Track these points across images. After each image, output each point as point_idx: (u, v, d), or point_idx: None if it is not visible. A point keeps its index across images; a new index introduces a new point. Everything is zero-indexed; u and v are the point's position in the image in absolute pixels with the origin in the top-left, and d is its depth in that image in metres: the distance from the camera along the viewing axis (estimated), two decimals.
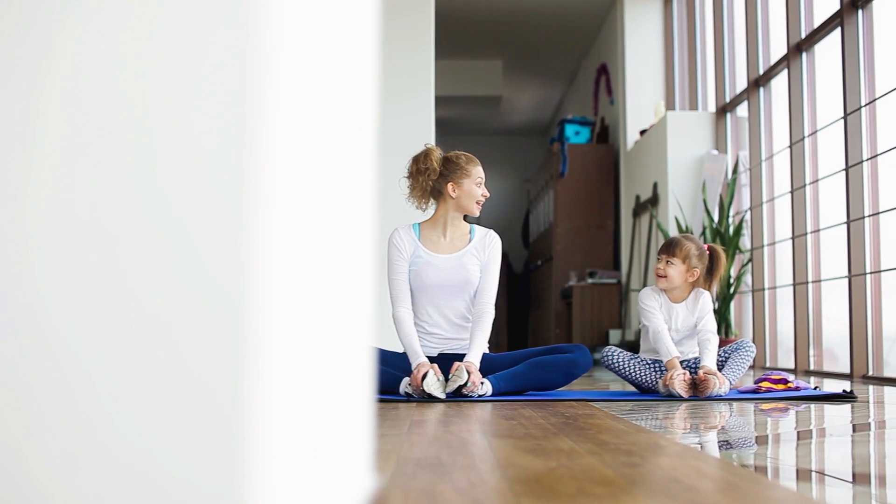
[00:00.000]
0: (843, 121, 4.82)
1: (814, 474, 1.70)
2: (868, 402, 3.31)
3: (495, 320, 3.56)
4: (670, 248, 3.54)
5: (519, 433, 2.23)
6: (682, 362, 3.51)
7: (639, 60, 8.10)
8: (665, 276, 3.52)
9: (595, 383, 4.64)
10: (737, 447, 2.10)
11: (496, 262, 3.52)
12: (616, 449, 1.87)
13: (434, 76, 6.49)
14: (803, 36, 5.47)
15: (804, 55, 5.49)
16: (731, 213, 6.46)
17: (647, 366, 3.52)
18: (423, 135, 6.26)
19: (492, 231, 3.59)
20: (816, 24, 5.31)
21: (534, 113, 12.39)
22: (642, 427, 2.32)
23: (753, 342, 6.21)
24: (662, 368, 3.48)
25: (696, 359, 3.52)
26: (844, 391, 3.39)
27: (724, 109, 6.88)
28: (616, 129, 8.60)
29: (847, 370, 4.84)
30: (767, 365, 6.10)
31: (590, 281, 7.92)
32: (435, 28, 9.07)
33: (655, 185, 7.23)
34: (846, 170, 4.78)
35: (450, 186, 3.49)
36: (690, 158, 6.93)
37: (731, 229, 6.28)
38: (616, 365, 3.54)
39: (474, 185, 3.49)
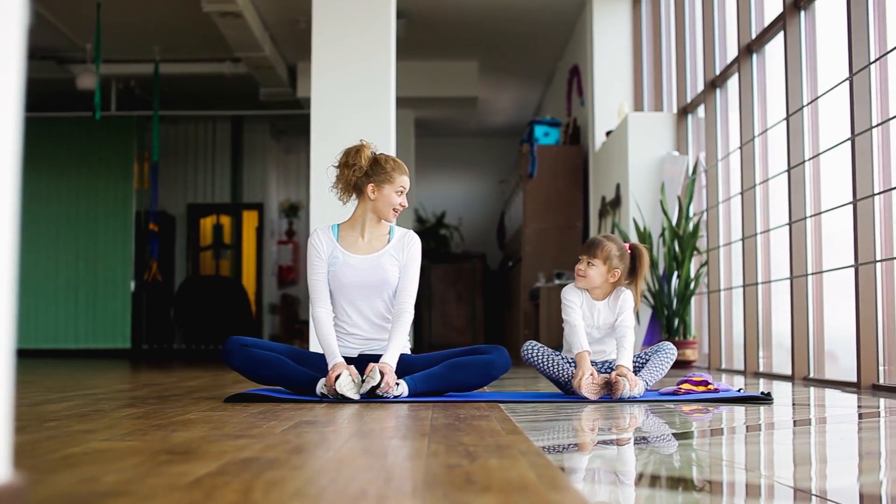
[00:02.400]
0: (785, 122, 4.81)
1: (639, 477, 1.69)
2: (787, 404, 3.30)
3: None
4: (591, 248, 3.53)
5: (387, 435, 2.23)
6: (601, 363, 3.50)
7: (607, 62, 8.09)
8: (585, 276, 3.51)
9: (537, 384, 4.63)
10: (597, 449, 2.09)
11: (415, 262, 3.51)
12: (462, 451, 1.86)
13: (394, 80, 6.49)
14: (753, 37, 5.46)
15: (754, 56, 5.48)
16: (691, 214, 6.45)
17: (569, 364, 3.51)
18: (383, 138, 6.26)
19: (411, 231, 3.58)
20: (766, 25, 5.30)
21: (513, 114, 12.38)
22: (519, 429, 2.31)
23: (709, 343, 6.21)
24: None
25: (614, 361, 3.50)
26: (763, 393, 3.38)
27: (685, 110, 6.87)
28: (586, 131, 8.59)
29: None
30: (723, 367, 6.09)
31: (557, 282, 7.91)
32: (410, 30, 9.09)
33: (618, 187, 7.22)
34: (788, 171, 4.77)
35: (370, 187, 3.48)
36: (652, 159, 6.92)
37: (689, 230, 6.27)
38: (535, 359, 3.53)
39: (394, 193, 3.48)
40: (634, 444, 2.17)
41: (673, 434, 2.38)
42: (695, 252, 6.32)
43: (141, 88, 10.66)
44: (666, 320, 6.35)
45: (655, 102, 7.59)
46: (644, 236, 6.39)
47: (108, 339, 10.51)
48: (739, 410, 2.98)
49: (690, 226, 6.30)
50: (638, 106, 7.95)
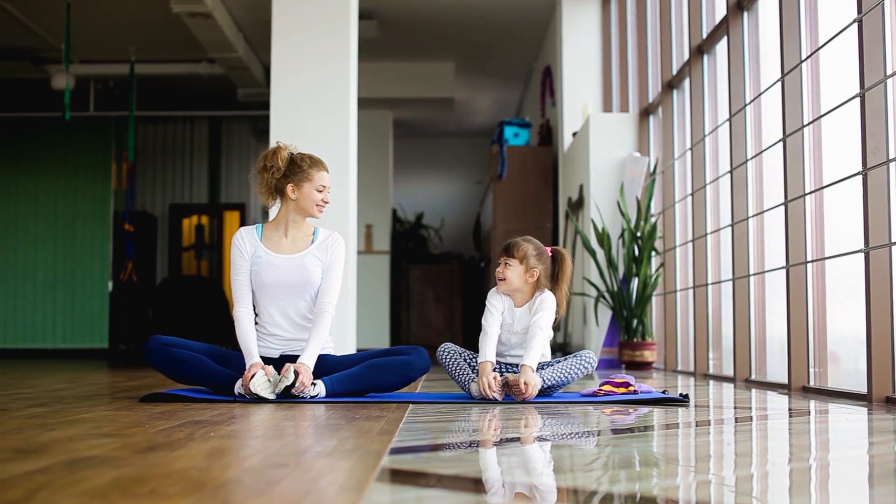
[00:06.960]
0: (728, 123, 4.80)
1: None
2: (697, 405, 3.30)
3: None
4: (508, 249, 3.53)
5: (252, 435, 2.23)
6: (518, 366, 3.45)
7: (575, 62, 8.08)
8: (504, 279, 3.50)
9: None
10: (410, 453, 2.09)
11: (338, 263, 3.52)
12: (311, 453, 1.87)
13: (356, 83, 6.49)
14: (704, 37, 5.45)
15: (705, 57, 5.48)
16: (652, 215, 6.43)
17: (472, 370, 3.48)
18: (343, 140, 6.26)
19: (335, 233, 3.58)
20: (715, 25, 5.29)
21: (493, 115, 12.38)
22: (394, 430, 2.31)
23: (665, 345, 6.20)
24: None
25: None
26: (681, 395, 3.38)
27: (646, 111, 6.86)
28: (557, 132, 8.59)
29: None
30: (679, 368, 6.08)
31: None
32: (383, 30, 9.09)
33: (581, 188, 7.22)
34: (731, 172, 4.76)
35: (290, 188, 3.49)
36: (613, 160, 6.91)
37: (648, 231, 6.26)
38: (445, 362, 3.53)
39: (314, 190, 3.48)
40: (486, 447, 2.17)
41: (539, 438, 2.37)
42: (653, 253, 6.31)
43: (120, 88, 10.68)
44: (625, 322, 6.34)
45: (622, 103, 7.58)
46: (602, 237, 6.39)
47: (85, 339, 10.53)
48: (643, 412, 2.97)
49: (649, 226, 6.29)
50: (607, 107, 7.94)
